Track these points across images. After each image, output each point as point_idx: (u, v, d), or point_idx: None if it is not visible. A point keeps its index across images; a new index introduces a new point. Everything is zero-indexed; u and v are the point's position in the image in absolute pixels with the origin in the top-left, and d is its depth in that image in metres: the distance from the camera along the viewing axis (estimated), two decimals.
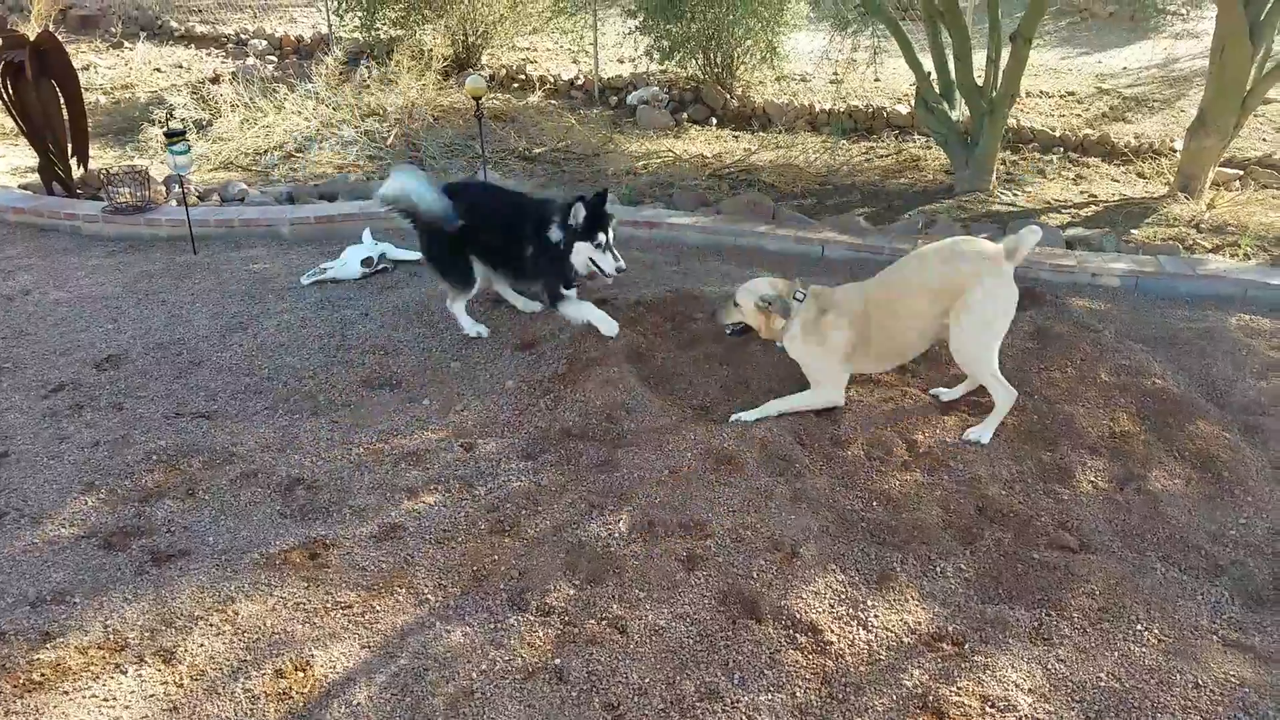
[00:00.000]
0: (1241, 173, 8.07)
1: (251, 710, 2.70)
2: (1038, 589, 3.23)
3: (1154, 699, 2.76)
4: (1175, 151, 8.45)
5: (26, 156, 8.21)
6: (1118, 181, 8.23)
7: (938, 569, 3.32)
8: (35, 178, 7.48)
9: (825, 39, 10.57)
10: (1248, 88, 7.04)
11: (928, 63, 8.00)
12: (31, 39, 6.99)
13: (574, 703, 2.73)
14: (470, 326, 4.94)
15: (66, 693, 2.73)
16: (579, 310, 4.71)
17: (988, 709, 2.71)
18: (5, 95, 7.00)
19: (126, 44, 12.76)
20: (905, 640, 3.00)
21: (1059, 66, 12.06)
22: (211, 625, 2.99)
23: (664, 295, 5.17)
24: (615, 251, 4.64)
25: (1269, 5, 6.79)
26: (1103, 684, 2.82)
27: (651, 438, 3.97)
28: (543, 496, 3.66)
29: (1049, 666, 2.88)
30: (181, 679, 2.80)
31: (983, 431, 4.02)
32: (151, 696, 2.74)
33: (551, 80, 11.23)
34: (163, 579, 3.20)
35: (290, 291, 5.63)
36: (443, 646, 2.92)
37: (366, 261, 5.83)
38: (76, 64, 7.35)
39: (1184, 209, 7.23)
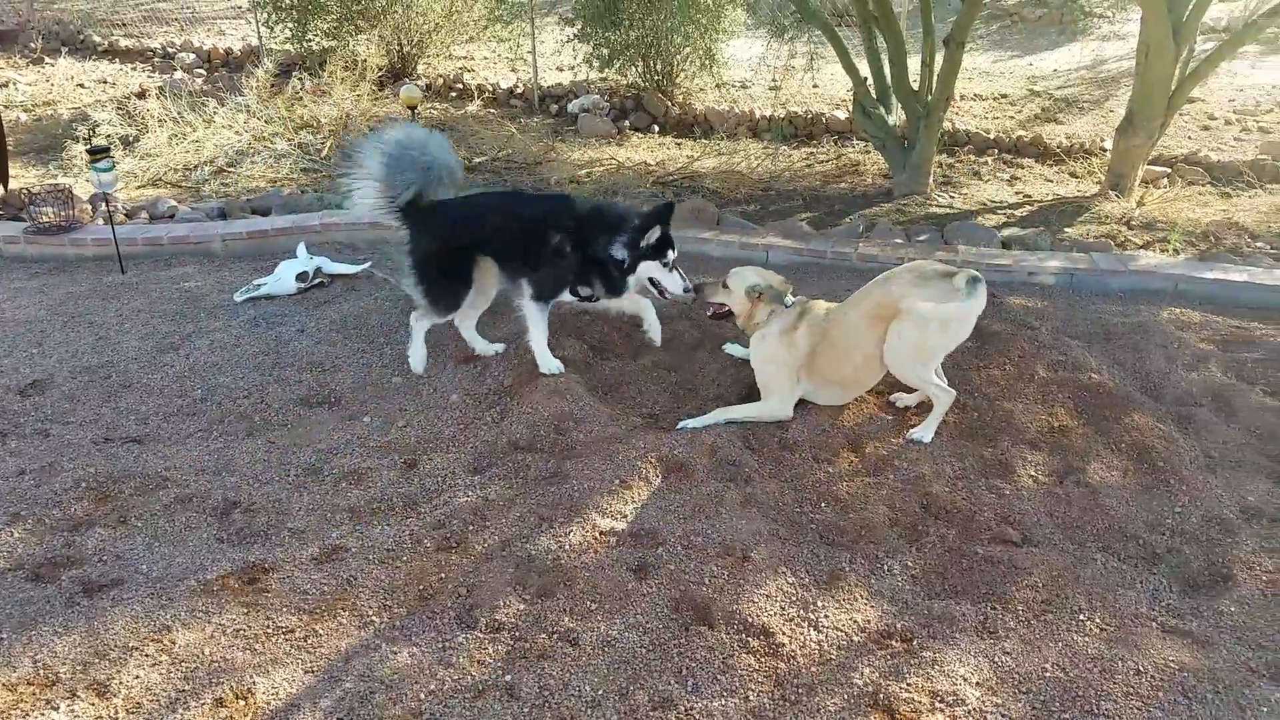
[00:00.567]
0: (1169, 170, 8.32)
1: None
2: (983, 583, 3.27)
3: (1097, 687, 2.81)
4: (1105, 151, 8.67)
5: None
6: (1051, 181, 8.43)
7: (885, 567, 3.34)
8: None
9: (763, 45, 10.65)
10: (1172, 88, 7.27)
11: (864, 68, 8.10)
12: None
13: (526, 718, 2.68)
14: (418, 359, 4.62)
15: None
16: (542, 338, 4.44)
17: (937, 704, 2.73)
18: None
19: (48, 59, 12.34)
20: (855, 639, 3.02)
21: (991, 70, 12.33)
22: (147, 656, 2.88)
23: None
24: (680, 270, 4.37)
25: (1190, 8, 7.01)
26: (1048, 674, 2.86)
27: (601, 447, 3.94)
28: (490, 511, 3.61)
29: (996, 659, 2.91)
30: (116, 712, 2.69)
31: (924, 431, 4.07)
32: None
33: (490, 89, 11.15)
34: (95, 610, 3.08)
35: (223, 309, 5.48)
36: (389, 668, 2.85)
37: (302, 276, 5.69)
38: None
39: (1115, 207, 7.43)
